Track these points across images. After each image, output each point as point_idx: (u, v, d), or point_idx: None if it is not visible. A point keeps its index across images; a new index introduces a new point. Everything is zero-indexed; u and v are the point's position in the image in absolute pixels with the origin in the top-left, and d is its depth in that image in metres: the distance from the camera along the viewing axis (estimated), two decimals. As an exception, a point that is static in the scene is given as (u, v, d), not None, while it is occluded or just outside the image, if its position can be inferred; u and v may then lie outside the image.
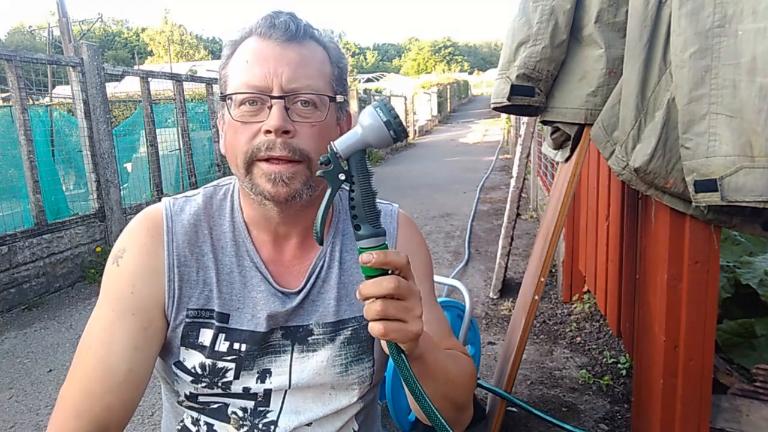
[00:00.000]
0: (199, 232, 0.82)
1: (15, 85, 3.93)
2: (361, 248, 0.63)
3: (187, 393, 0.82)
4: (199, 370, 0.80)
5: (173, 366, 0.81)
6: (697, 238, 1.40)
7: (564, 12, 1.47)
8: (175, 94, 5.94)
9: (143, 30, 66.04)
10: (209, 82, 6.60)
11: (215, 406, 0.83)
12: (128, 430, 2.25)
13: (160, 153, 5.58)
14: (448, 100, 29.80)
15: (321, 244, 0.67)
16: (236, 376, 0.80)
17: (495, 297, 3.52)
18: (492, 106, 1.67)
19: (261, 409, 0.82)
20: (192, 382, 0.80)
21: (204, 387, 0.80)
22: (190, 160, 6.08)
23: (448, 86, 30.89)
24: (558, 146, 1.81)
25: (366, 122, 0.62)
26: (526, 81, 1.52)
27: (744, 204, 1.14)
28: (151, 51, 54.78)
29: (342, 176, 0.62)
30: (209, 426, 0.83)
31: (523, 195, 3.99)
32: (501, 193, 7.17)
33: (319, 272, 0.85)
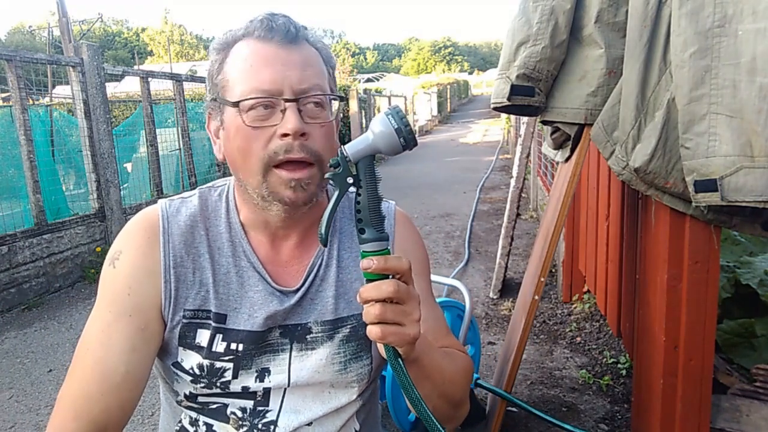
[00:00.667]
0: (196, 233, 0.82)
1: (15, 85, 3.93)
2: (364, 252, 0.63)
3: (187, 393, 0.82)
4: (197, 371, 0.80)
5: (172, 366, 0.81)
6: (697, 238, 1.40)
7: (564, 12, 1.47)
8: (175, 94, 5.94)
9: (143, 30, 66.10)
10: (209, 82, 6.58)
11: (214, 406, 0.83)
12: (128, 430, 2.25)
13: (160, 153, 5.58)
14: (448, 100, 29.78)
15: (325, 246, 0.67)
16: (234, 376, 0.80)
17: (495, 297, 3.52)
18: (492, 106, 1.67)
19: (260, 408, 0.82)
20: (191, 381, 0.80)
21: (203, 387, 0.80)
22: (190, 160, 6.08)
23: (448, 86, 30.85)
24: (558, 146, 1.80)
25: (377, 129, 0.62)
26: (526, 81, 1.52)
27: (744, 204, 1.14)
28: (151, 51, 54.82)
29: (350, 180, 0.63)
30: (208, 426, 0.83)
31: (523, 195, 3.99)
32: (501, 193, 7.16)
33: (318, 271, 0.85)
